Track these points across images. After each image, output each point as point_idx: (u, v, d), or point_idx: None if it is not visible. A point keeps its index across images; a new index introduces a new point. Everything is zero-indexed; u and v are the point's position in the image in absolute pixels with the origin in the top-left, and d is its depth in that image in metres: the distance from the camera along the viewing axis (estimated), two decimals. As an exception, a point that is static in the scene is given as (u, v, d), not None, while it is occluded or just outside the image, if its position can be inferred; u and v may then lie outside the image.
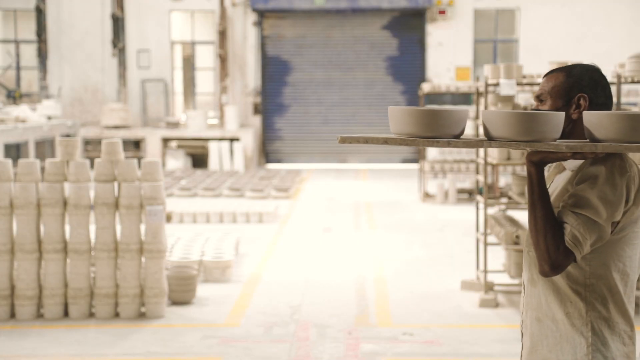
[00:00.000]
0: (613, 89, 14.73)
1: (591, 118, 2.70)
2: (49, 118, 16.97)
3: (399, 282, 8.35)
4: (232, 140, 19.20)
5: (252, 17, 20.84)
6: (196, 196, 14.69)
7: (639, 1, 20.52)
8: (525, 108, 7.73)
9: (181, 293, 7.45)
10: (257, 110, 21.03)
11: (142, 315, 7.06)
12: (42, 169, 9.95)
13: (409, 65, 20.99)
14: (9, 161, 7.14)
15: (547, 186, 2.88)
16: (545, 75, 2.96)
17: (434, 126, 2.78)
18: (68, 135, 16.93)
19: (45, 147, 16.03)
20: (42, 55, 20.29)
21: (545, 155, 2.71)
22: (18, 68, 21.29)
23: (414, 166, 19.52)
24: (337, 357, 6.06)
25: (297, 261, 9.42)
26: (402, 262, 9.31)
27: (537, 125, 2.68)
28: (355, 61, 21.11)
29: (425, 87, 14.73)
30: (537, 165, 2.74)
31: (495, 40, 21.03)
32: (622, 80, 7.35)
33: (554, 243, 2.69)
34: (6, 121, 14.83)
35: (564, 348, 2.80)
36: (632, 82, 7.29)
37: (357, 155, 21.04)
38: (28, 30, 21.34)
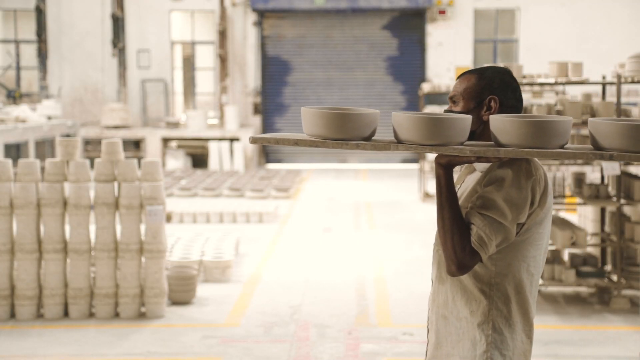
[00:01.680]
0: (613, 89, 14.74)
1: (496, 122, 2.75)
2: (49, 118, 16.97)
3: (399, 282, 8.35)
4: (232, 140, 19.20)
5: (252, 17, 20.84)
6: (196, 196, 14.69)
7: (639, 1, 20.52)
8: (525, 108, 7.72)
9: (181, 293, 7.45)
10: (257, 110, 21.03)
11: (142, 315, 7.06)
12: (42, 169, 9.94)
13: (409, 65, 20.99)
14: (9, 161, 7.14)
15: (458, 187, 2.98)
16: (459, 77, 3.00)
17: (343, 128, 2.80)
18: (68, 135, 16.93)
19: (45, 147, 16.03)
20: (42, 55, 20.28)
21: (452, 157, 2.77)
22: (18, 68, 21.29)
23: (414, 166, 19.53)
24: (337, 357, 6.06)
25: (297, 261, 9.42)
26: (402, 262, 9.30)
27: (443, 130, 2.71)
28: (355, 61, 21.10)
29: (425, 87, 14.73)
30: (445, 167, 2.80)
31: (495, 40, 21.03)
32: (622, 80, 7.35)
33: (460, 244, 2.75)
34: (6, 121, 14.84)
35: (465, 345, 2.86)
36: (632, 82, 7.29)
37: (357, 155, 21.03)
38: (28, 30, 21.34)
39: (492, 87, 2.91)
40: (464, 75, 2.98)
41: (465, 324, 2.87)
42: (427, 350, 3.02)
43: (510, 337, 2.84)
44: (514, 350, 2.85)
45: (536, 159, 2.87)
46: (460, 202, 2.89)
